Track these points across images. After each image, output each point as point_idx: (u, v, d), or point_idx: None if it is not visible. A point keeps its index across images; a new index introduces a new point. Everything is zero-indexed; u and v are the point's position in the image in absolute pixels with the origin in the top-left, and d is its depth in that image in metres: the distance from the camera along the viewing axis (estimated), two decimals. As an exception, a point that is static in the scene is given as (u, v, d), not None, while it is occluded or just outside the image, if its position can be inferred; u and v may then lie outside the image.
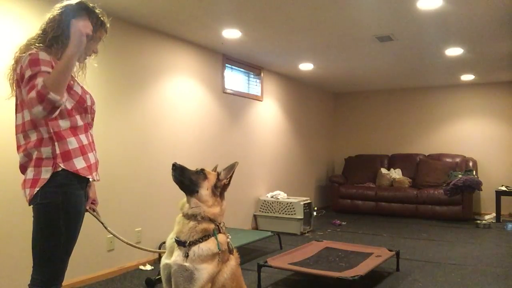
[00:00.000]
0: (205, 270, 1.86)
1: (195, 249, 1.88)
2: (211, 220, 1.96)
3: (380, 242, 5.17)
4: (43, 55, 1.77)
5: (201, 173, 2.01)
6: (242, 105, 5.95)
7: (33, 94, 1.65)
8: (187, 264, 1.86)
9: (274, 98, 6.75)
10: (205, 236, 1.92)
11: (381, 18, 4.17)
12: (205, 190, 1.97)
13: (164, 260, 1.98)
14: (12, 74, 1.87)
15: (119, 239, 2.23)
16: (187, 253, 1.87)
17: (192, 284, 1.84)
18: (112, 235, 2.20)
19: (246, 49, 5.34)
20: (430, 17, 4.07)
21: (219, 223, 2.00)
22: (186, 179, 1.99)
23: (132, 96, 4.20)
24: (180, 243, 1.92)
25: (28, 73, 1.73)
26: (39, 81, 1.67)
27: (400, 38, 4.81)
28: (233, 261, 2.03)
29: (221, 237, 1.97)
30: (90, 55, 2.01)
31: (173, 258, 1.91)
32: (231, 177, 2.06)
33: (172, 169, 1.99)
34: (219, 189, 2.02)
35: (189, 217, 1.95)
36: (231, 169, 2.06)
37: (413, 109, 8.26)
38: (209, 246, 1.91)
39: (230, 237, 2.07)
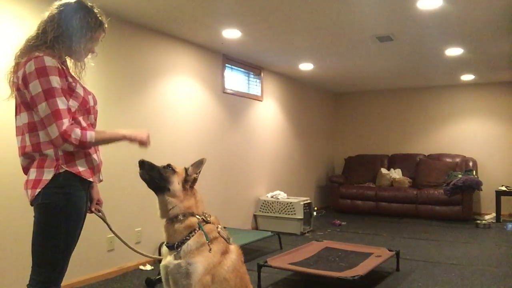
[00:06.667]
0: (199, 263, 1.88)
1: (184, 247, 1.91)
2: (192, 214, 1.98)
3: (380, 242, 5.16)
4: (49, 61, 1.73)
5: (170, 168, 2.00)
6: (242, 105, 5.95)
7: (56, 129, 1.71)
8: (180, 261, 1.90)
9: (274, 98, 6.75)
10: (191, 233, 1.94)
11: (381, 18, 4.17)
12: (176, 185, 1.96)
13: (162, 263, 2.02)
14: (12, 76, 1.82)
15: (124, 242, 2.25)
16: (178, 253, 1.91)
17: (190, 279, 1.87)
18: (113, 235, 2.21)
19: (246, 49, 5.33)
20: (430, 17, 4.07)
21: (201, 214, 2.01)
22: (156, 175, 1.95)
23: (132, 96, 4.20)
24: (170, 247, 1.96)
25: (36, 86, 1.70)
26: (68, 125, 1.73)
27: (400, 38, 4.81)
28: (234, 254, 2.04)
29: (207, 227, 1.99)
30: (87, 56, 1.99)
31: (168, 258, 1.96)
32: (199, 172, 2.05)
33: (140, 166, 1.94)
34: (189, 183, 2.02)
35: (171, 221, 1.97)
36: (199, 164, 2.05)
37: (413, 109, 8.26)
38: (197, 239, 1.93)
39: (220, 226, 2.07)
